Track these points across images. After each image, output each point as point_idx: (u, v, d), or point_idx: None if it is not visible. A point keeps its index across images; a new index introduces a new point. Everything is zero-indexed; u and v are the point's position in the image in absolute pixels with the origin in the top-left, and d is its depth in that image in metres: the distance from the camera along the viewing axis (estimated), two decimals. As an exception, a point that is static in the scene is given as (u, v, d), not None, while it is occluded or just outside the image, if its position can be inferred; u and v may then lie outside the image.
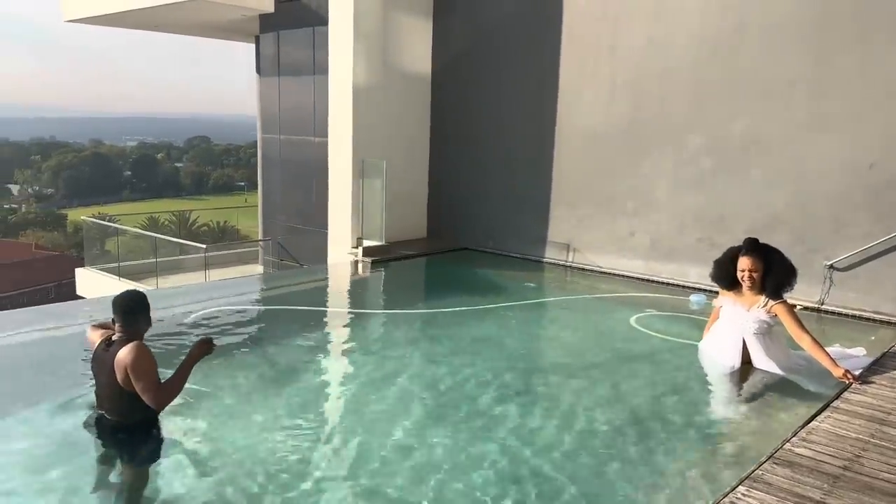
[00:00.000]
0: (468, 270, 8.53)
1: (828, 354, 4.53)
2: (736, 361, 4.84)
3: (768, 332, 4.78)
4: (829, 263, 6.62)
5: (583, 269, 8.30)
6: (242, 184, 67.63)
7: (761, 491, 3.02)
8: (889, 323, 6.25)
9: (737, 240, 7.10)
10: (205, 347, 3.71)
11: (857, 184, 6.42)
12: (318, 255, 10.52)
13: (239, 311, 6.40)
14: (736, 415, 4.39)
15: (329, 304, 7.37)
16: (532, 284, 7.90)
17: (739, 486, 3.07)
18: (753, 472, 3.21)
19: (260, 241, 13.22)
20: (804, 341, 4.58)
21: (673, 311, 6.61)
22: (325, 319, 6.57)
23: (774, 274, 4.67)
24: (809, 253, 6.72)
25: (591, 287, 7.70)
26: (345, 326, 6.30)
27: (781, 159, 6.85)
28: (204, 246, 12.37)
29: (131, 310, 3.55)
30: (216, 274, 11.92)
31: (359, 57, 8.81)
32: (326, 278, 8.69)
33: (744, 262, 4.74)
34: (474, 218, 9.46)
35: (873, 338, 5.92)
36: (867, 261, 6.45)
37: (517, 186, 8.96)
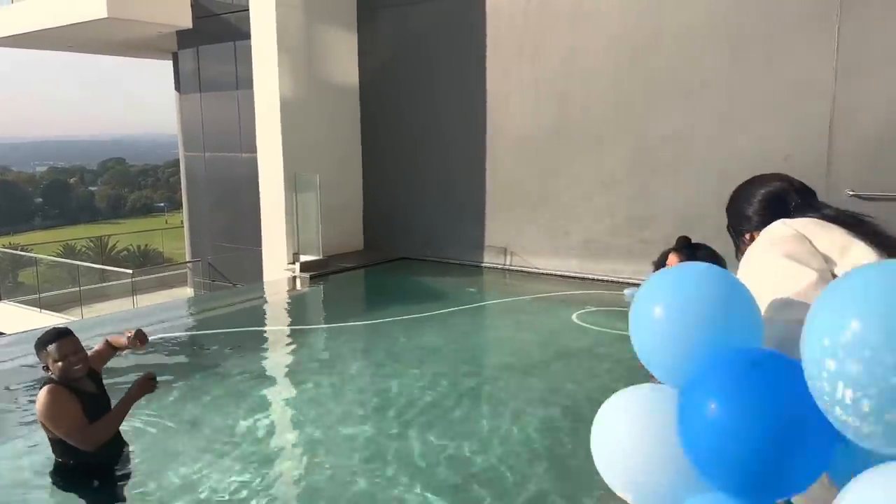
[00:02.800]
0: (408, 279, 8.54)
1: None
2: None
3: None
4: (752, 252, 6.96)
5: (521, 271, 8.45)
6: (162, 204, 65.42)
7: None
8: (810, 305, 6.62)
9: (666, 235, 7.37)
10: (146, 386, 3.37)
11: (774, 175, 6.77)
12: (253, 273, 10.31)
13: (175, 338, 6.19)
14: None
15: (268, 323, 7.23)
16: (473, 289, 7.98)
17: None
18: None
19: (189, 262, 12.85)
20: None
21: (611, 307, 6.81)
22: (266, 339, 6.43)
23: None
24: (732, 247, 7.03)
25: (530, 288, 7.84)
26: (287, 345, 6.18)
27: (703, 156, 7.17)
28: (130, 271, 11.92)
29: (36, 350, 3.27)
30: (144, 299, 11.52)
31: (284, 71, 8.71)
32: (263, 296, 8.54)
33: (672, 259, 4.96)
34: (411, 227, 9.48)
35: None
36: (786, 247, 6.81)
37: (452, 193, 9.04)
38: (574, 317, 6.36)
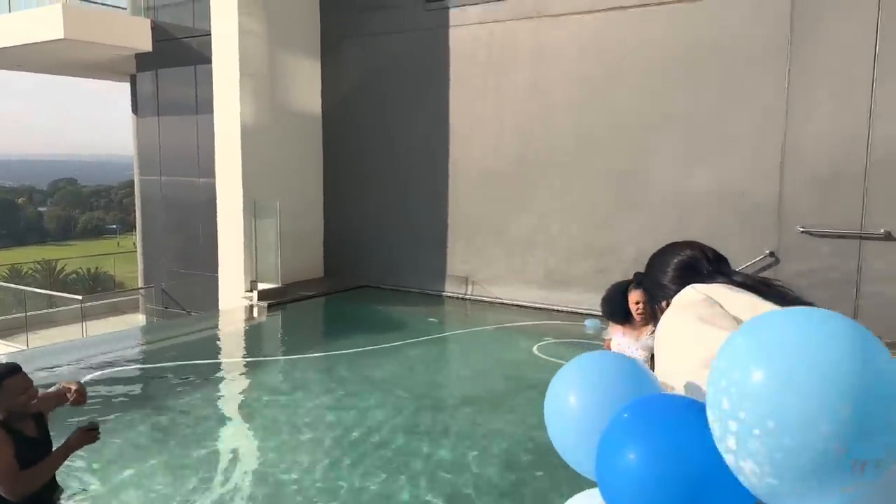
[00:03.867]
0: (369, 308, 8.47)
1: None
2: None
3: None
4: (707, 285, 7.10)
5: (482, 301, 8.46)
6: (114, 226, 63.87)
7: None
8: (763, 337, 6.78)
9: (625, 266, 7.50)
10: (86, 437, 3.08)
11: (729, 210, 6.97)
12: (208, 300, 10.10)
13: (125, 370, 5.93)
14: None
15: (223, 355, 7.04)
16: (434, 319, 7.96)
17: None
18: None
19: (141, 288, 12.52)
20: None
21: (571, 338, 6.85)
22: (220, 371, 6.23)
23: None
24: (690, 276, 7.18)
25: (491, 318, 7.84)
26: (242, 377, 6.02)
27: (661, 190, 7.33)
28: (79, 297, 11.55)
29: None
30: (93, 326, 11.16)
31: (246, 97, 8.65)
32: (219, 326, 8.35)
33: (635, 295, 5.04)
34: (372, 255, 9.44)
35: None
36: (740, 281, 6.97)
37: (414, 223, 9.05)
38: (535, 349, 6.38)
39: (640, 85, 7.36)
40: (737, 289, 1.83)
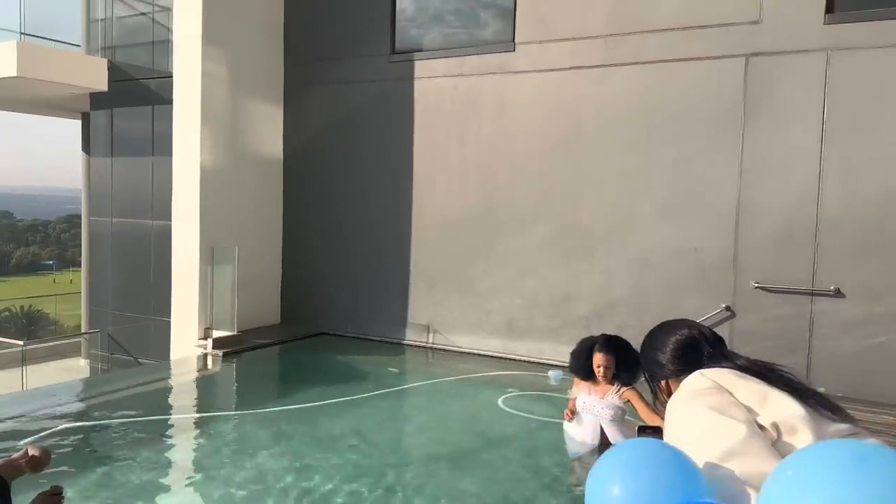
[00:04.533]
0: (328, 357, 8.33)
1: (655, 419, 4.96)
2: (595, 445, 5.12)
3: (622, 418, 5.12)
4: (665, 337, 7.25)
5: (444, 350, 8.43)
6: (51, 262, 61.59)
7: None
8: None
9: (586, 317, 7.62)
10: (50, 502, 2.90)
11: (686, 266, 7.17)
12: (158, 346, 9.78)
13: (67, 428, 5.52)
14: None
15: (176, 409, 6.66)
16: (395, 370, 7.87)
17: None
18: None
19: (86, 333, 12.05)
20: (655, 423, 4.96)
21: (535, 390, 6.87)
22: (172, 427, 5.91)
23: (626, 367, 5.06)
24: (647, 329, 7.31)
25: (453, 368, 7.80)
26: (194, 433, 5.75)
27: (618, 244, 7.50)
28: (21, 342, 11.03)
29: None
30: (33, 371, 10.65)
31: (206, 141, 8.56)
32: (170, 376, 8.03)
33: (598, 358, 5.15)
34: (332, 302, 9.34)
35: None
36: (697, 333, 7.14)
37: (376, 269, 9.01)
38: (500, 401, 6.36)
39: (599, 141, 7.58)
40: (743, 374, 1.87)
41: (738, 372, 1.89)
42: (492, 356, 8.09)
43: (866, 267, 6.39)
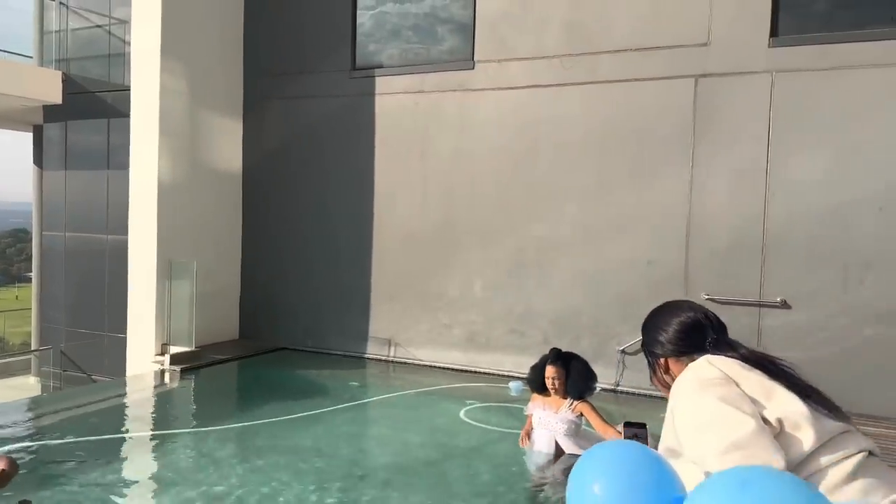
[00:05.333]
0: (288, 372, 8.30)
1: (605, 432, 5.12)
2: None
3: (576, 431, 5.25)
4: (620, 349, 7.45)
5: (405, 363, 8.48)
6: (-4, 278, 59.50)
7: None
8: (674, 399, 7.13)
9: (545, 330, 7.76)
10: None
11: (640, 278, 7.38)
12: (113, 363, 9.61)
13: (18, 448, 5.30)
14: None
15: (131, 427, 6.46)
16: (356, 383, 7.88)
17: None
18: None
19: (37, 350, 11.73)
20: (608, 434, 5.13)
21: (496, 401, 6.96)
22: (131, 445, 5.79)
23: (574, 380, 5.20)
24: (604, 340, 7.53)
25: (414, 382, 7.85)
26: (153, 452, 5.63)
27: (575, 258, 7.68)
28: (-34, 360, 10.68)
29: None
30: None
31: (164, 154, 8.49)
32: (125, 393, 7.88)
33: (549, 371, 5.30)
34: (291, 316, 9.31)
35: (662, 415, 6.70)
36: (652, 344, 7.34)
37: (336, 283, 9.02)
38: (462, 413, 6.44)
39: (556, 158, 7.77)
40: (748, 366, 1.94)
41: (742, 363, 1.94)
42: (453, 369, 8.18)
43: (810, 279, 6.68)
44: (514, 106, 7.95)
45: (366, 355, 8.78)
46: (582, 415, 5.18)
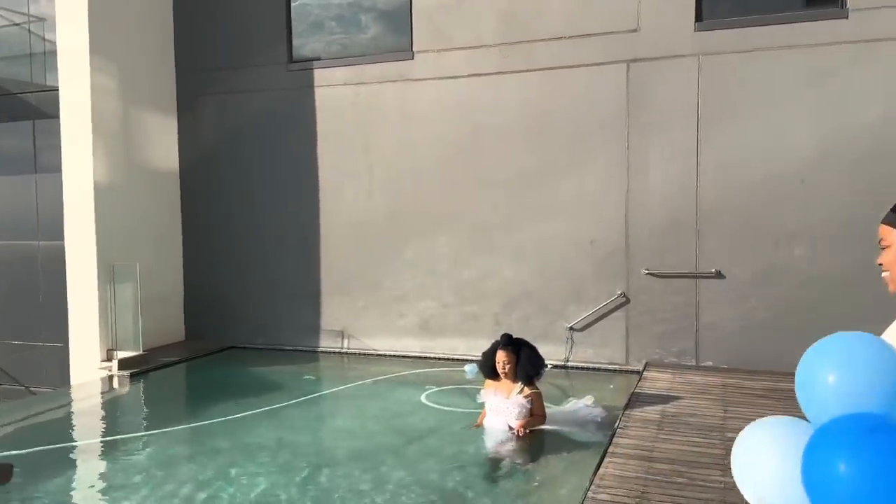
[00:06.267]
0: (240, 370, 8.25)
1: (541, 421, 5.49)
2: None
3: (526, 415, 5.48)
4: (569, 326, 7.75)
5: (359, 354, 8.56)
6: None
7: (585, 539, 3.51)
8: (621, 371, 7.49)
9: (495, 313, 7.98)
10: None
11: (584, 258, 7.68)
12: (53, 374, 9.32)
13: None
14: (538, 474, 4.94)
15: (78, 436, 6.27)
16: (311, 377, 7.91)
17: (568, 539, 3.52)
18: (573, 523, 3.71)
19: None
20: (543, 422, 5.50)
21: (453, 384, 7.11)
22: (84, 453, 5.66)
23: (523, 365, 5.46)
24: (553, 318, 7.80)
25: (371, 371, 7.93)
26: (101, 460, 5.54)
27: (520, 241, 7.91)
28: None
29: None
30: None
31: (99, 156, 8.26)
32: (71, 402, 7.67)
33: (499, 356, 5.55)
34: (239, 314, 9.23)
35: (612, 385, 7.04)
36: (598, 321, 7.68)
37: (284, 279, 8.99)
38: (423, 397, 6.59)
39: (498, 145, 7.96)
40: None
41: None
42: (408, 356, 8.31)
43: (741, 250, 7.11)
44: (455, 95, 8.09)
45: (319, 349, 8.80)
46: (531, 399, 5.42)
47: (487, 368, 5.64)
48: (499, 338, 5.70)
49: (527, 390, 5.47)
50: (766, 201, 7.00)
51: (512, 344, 5.56)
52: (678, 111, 7.26)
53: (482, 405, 5.77)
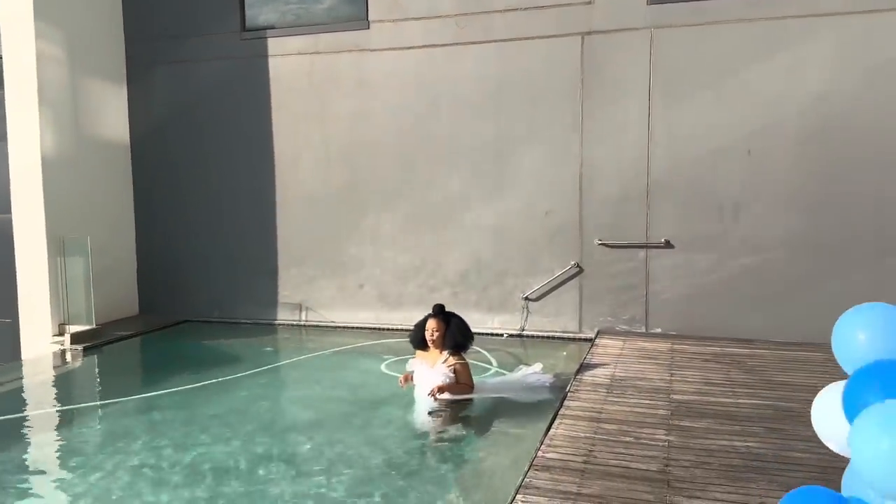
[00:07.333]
0: (196, 343, 8.20)
1: (466, 390, 5.55)
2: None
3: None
4: (524, 295, 7.89)
5: (317, 327, 8.59)
6: None
7: (534, 495, 3.65)
8: (574, 339, 7.68)
9: (452, 283, 8.07)
10: None
11: (539, 228, 7.80)
12: (5, 350, 9.11)
13: None
14: (489, 437, 5.08)
15: (30, 407, 6.25)
16: (269, 349, 7.92)
17: (517, 496, 3.66)
18: (523, 481, 3.85)
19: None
20: (468, 391, 5.59)
21: (412, 355, 7.17)
22: (29, 427, 5.61)
23: (452, 333, 5.57)
24: (509, 289, 7.94)
25: (329, 342, 7.97)
26: (56, 429, 5.51)
27: (477, 212, 8.00)
28: None
29: None
30: None
31: (46, 126, 8.04)
32: (23, 376, 7.54)
33: (429, 323, 5.67)
34: (194, 288, 9.15)
35: (565, 353, 7.23)
36: (552, 290, 7.84)
37: (241, 251, 8.94)
38: (383, 367, 6.68)
39: (454, 116, 8.00)
40: None
41: None
42: (366, 328, 8.37)
43: (689, 220, 7.32)
44: (412, 66, 8.08)
45: (276, 321, 8.81)
46: (455, 369, 5.50)
47: (417, 339, 5.76)
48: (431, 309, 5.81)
49: (451, 360, 5.54)
50: (713, 172, 7.21)
51: (443, 314, 5.68)
52: (631, 84, 7.38)
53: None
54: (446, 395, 5.45)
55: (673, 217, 7.36)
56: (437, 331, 5.59)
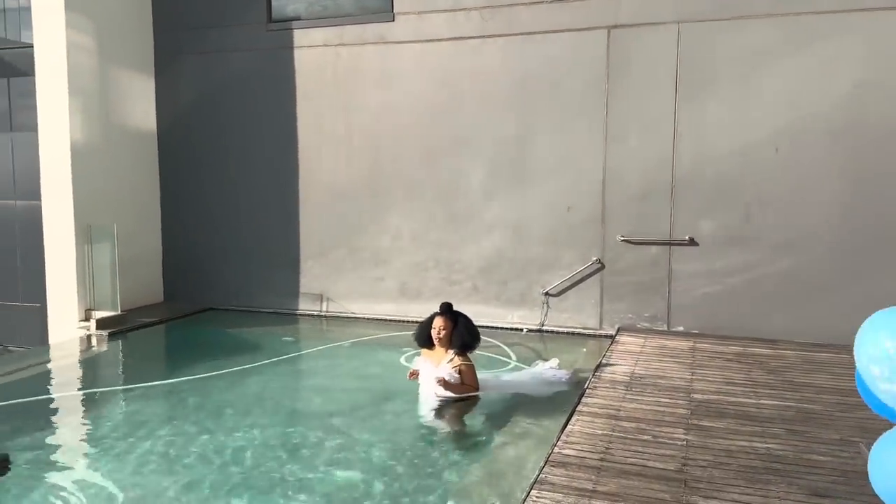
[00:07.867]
0: (219, 331, 8.30)
1: (470, 391, 5.48)
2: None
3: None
4: (545, 291, 7.86)
5: (338, 317, 8.64)
6: None
7: (549, 491, 3.65)
8: (594, 336, 7.64)
9: (472, 276, 8.07)
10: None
11: (560, 224, 7.76)
12: (30, 334, 9.32)
13: None
14: (506, 432, 5.07)
15: (55, 390, 6.38)
16: (290, 338, 7.99)
17: (532, 491, 3.66)
18: (538, 476, 3.84)
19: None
20: (472, 391, 5.53)
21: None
22: (56, 409, 5.75)
23: (459, 332, 5.51)
24: (529, 284, 7.91)
25: (349, 333, 8.00)
26: (83, 412, 5.64)
27: (503, 206, 7.98)
28: None
29: None
30: None
31: (76, 115, 8.17)
32: (49, 360, 7.69)
33: (437, 322, 5.61)
34: (218, 276, 9.25)
35: (584, 349, 7.19)
36: (573, 286, 7.80)
37: (264, 241, 9.01)
38: (402, 359, 6.70)
39: (478, 109, 7.97)
40: None
41: None
42: (385, 319, 8.40)
43: (713, 217, 7.23)
44: (436, 58, 8.07)
45: (297, 311, 8.87)
46: (459, 369, 5.46)
47: (422, 338, 5.71)
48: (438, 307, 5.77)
49: (457, 360, 5.46)
50: (739, 169, 7.10)
51: (450, 312, 5.64)
52: (657, 78, 7.30)
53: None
54: (449, 394, 5.42)
55: (697, 214, 7.27)
56: (444, 329, 5.53)
